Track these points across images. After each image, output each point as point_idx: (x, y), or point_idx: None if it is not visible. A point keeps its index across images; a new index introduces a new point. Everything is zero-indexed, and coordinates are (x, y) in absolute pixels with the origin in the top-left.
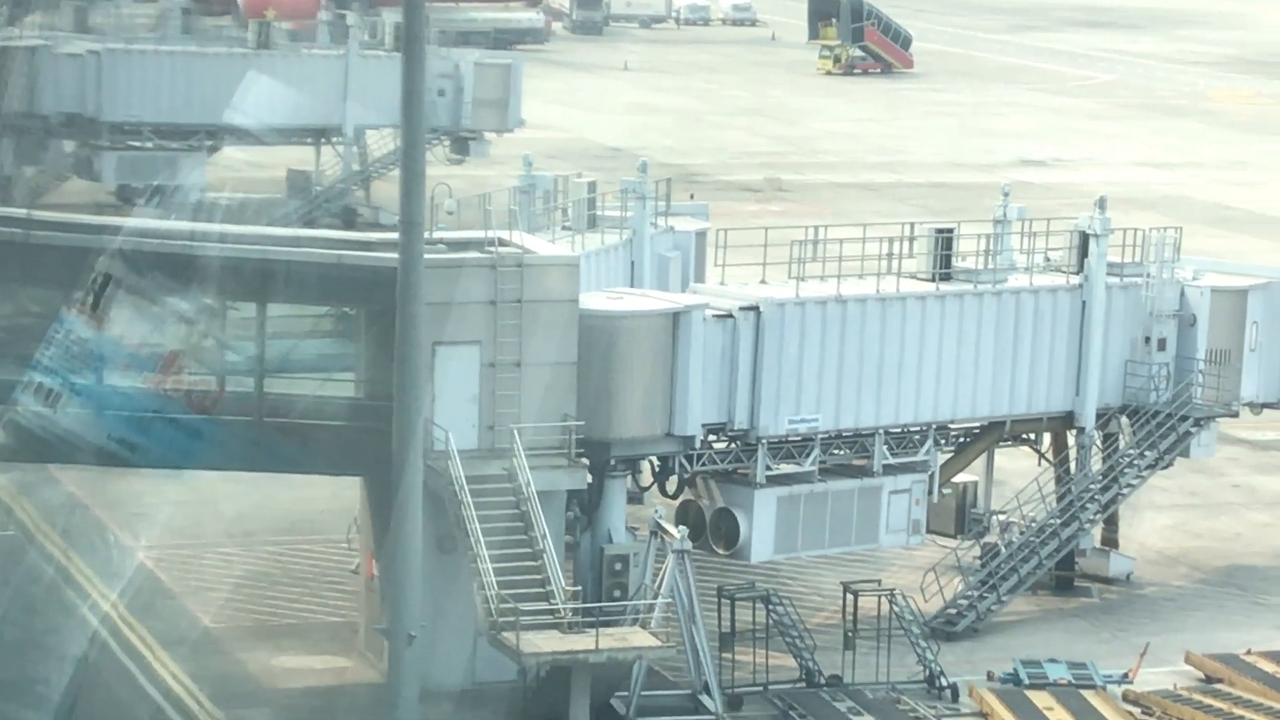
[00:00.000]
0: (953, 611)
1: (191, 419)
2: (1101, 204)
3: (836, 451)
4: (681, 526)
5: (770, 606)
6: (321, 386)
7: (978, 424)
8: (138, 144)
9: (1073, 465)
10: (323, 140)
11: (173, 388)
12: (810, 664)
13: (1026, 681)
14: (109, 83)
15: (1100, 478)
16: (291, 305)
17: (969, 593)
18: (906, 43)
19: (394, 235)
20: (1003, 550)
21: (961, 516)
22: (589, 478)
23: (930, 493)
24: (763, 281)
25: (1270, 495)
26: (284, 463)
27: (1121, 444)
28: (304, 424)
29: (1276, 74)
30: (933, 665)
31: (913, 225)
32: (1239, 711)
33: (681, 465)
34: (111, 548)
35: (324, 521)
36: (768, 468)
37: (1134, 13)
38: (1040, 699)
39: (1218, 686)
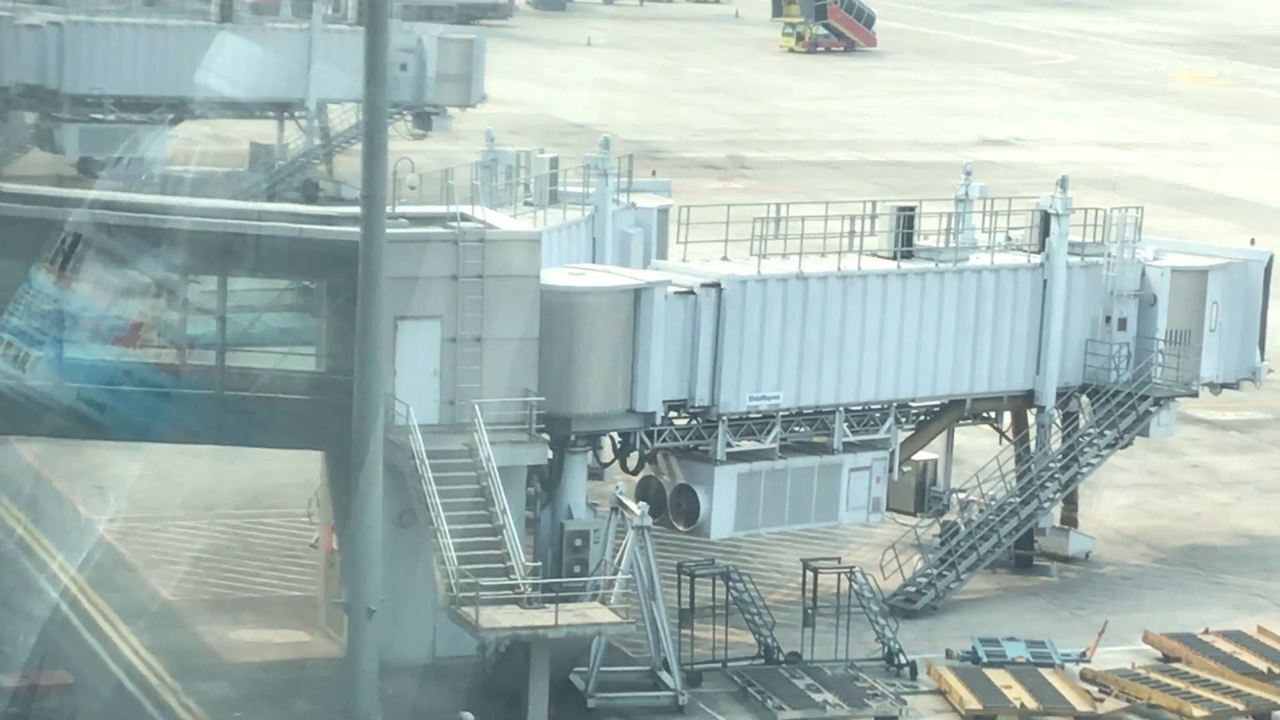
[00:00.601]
0: (912, 589)
1: (159, 379)
2: (1063, 183)
3: (797, 429)
4: (642, 503)
5: (730, 583)
6: (283, 360)
7: (938, 402)
8: (99, 116)
9: (1033, 444)
10: (285, 114)
11: (138, 354)
12: (769, 641)
13: (985, 659)
14: (71, 54)
15: (1060, 456)
16: (253, 279)
17: (928, 571)
18: (870, 21)
19: (356, 210)
20: (962, 528)
21: (921, 494)
22: (550, 453)
23: (890, 470)
24: (724, 258)
25: (1229, 475)
26: (245, 436)
27: (1081, 423)
28: (265, 398)
29: (1238, 55)
30: (891, 643)
31: (874, 203)
32: (1196, 690)
33: (642, 441)
34: (71, 520)
35: (285, 495)
36: (728, 444)
37: None
38: (999, 677)
39: (1175, 665)
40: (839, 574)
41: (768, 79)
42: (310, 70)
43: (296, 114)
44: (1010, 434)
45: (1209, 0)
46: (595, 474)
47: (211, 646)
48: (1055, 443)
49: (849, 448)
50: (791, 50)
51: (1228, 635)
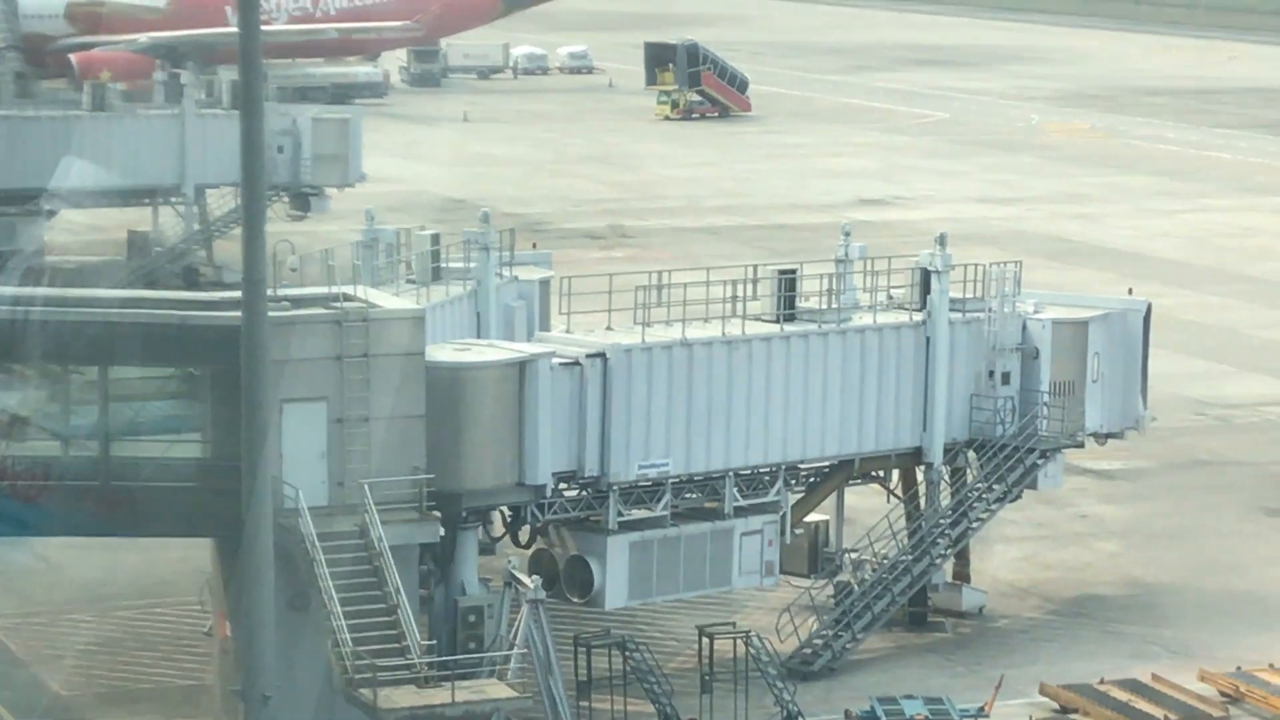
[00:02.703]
0: (808, 651)
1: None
2: (942, 240)
3: (688, 495)
4: (535, 576)
5: (626, 653)
6: (169, 448)
7: (827, 463)
8: None
9: (922, 501)
10: (161, 200)
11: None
12: (668, 709)
13: (884, 719)
14: None
15: (950, 512)
16: (136, 367)
17: (824, 632)
18: (743, 86)
19: (237, 294)
20: (856, 588)
21: (814, 556)
22: (441, 531)
23: (782, 533)
24: (608, 328)
25: (1118, 524)
26: (132, 526)
27: (969, 478)
28: (152, 486)
29: (1109, 107)
30: (790, 706)
31: (756, 267)
32: None
33: (533, 514)
34: None
35: (176, 584)
36: (619, 514)
37: (967, 50)
38: None
39: (1073, 717)
40: (735, 639)
41: (645, 147)
42: (185, 156)
43: (173, 200)
44: (900, 492)
45: (1079, 54)
46: (487, 549)
47: None
48: (945, 499)
49: (740, 512)
50: (667, 118)
51: (1123, 684)
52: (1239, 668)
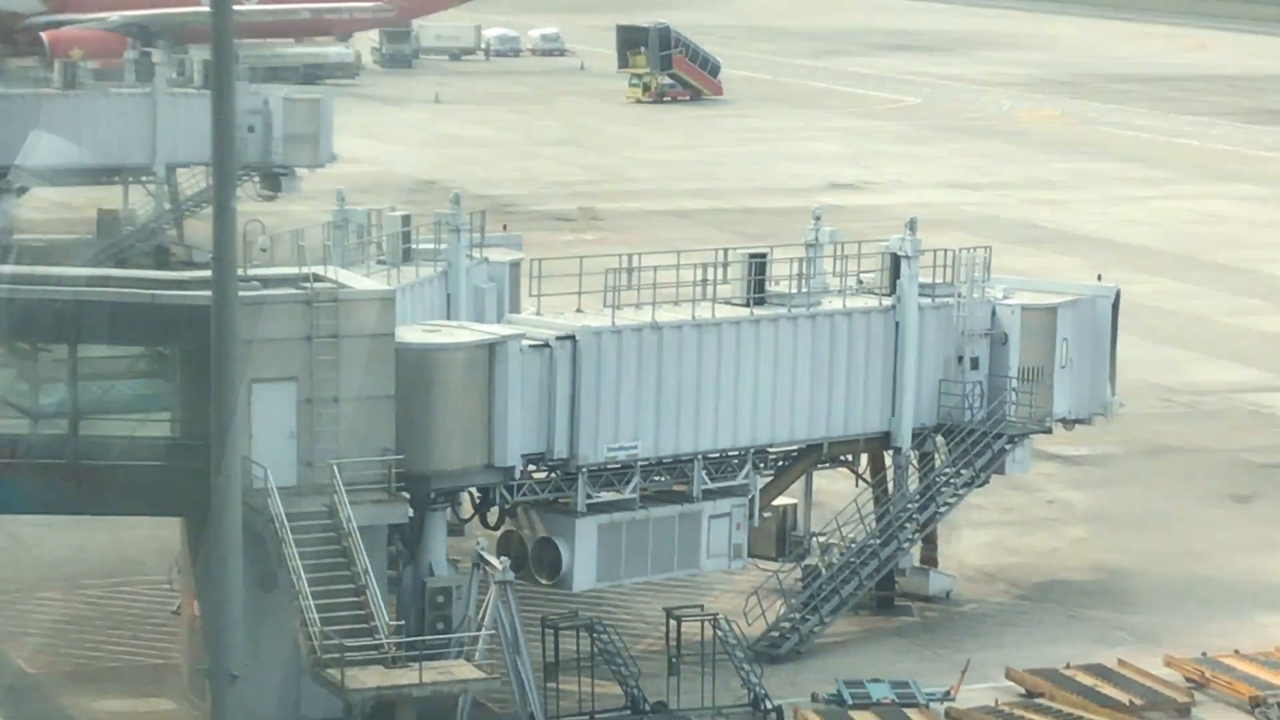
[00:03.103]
0: (776, 634)
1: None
2: (912, 225)
3: (656, 478)
4: (503, 557)
5: (594, 635)
6: (138, 427)
7: (795, 447)
8: None
9: (890, 485)
10: (131, 179)
11: None
12: (635, 691)
13: (850, 702)
14: None
15: (918, 497)
16: (106, 346)
17: (791, 615)
18: (715, 70)
19: (207, 273)
20: (823, 572)
21: (782, 539)
22: (410, 512)
23: (750, 517)
24: (578, 310)
25: (1085, 510)
26: (101, 504)
27: (938, 463)
28: (120, 465)
29: (1079, 94)
30: (757, 688)
31: (726, 251)
32: None
33: (502, 496)
34: None
35: (144, 563)
36: (588, 496)
37: (939, 36)
38: (864, 718)
39: (1039, 701)
40: (703, 622)
41: (616, 130)
42: (156, 135)
43: (144, 179)
44: (868, 476)
45: (1050, 40)
46: (455, 530)
47: (74, 718)
48: (913, 483)
49: (708, 495)
50: (639, 101)
51: (1089, 669)
52: (1204, 653)
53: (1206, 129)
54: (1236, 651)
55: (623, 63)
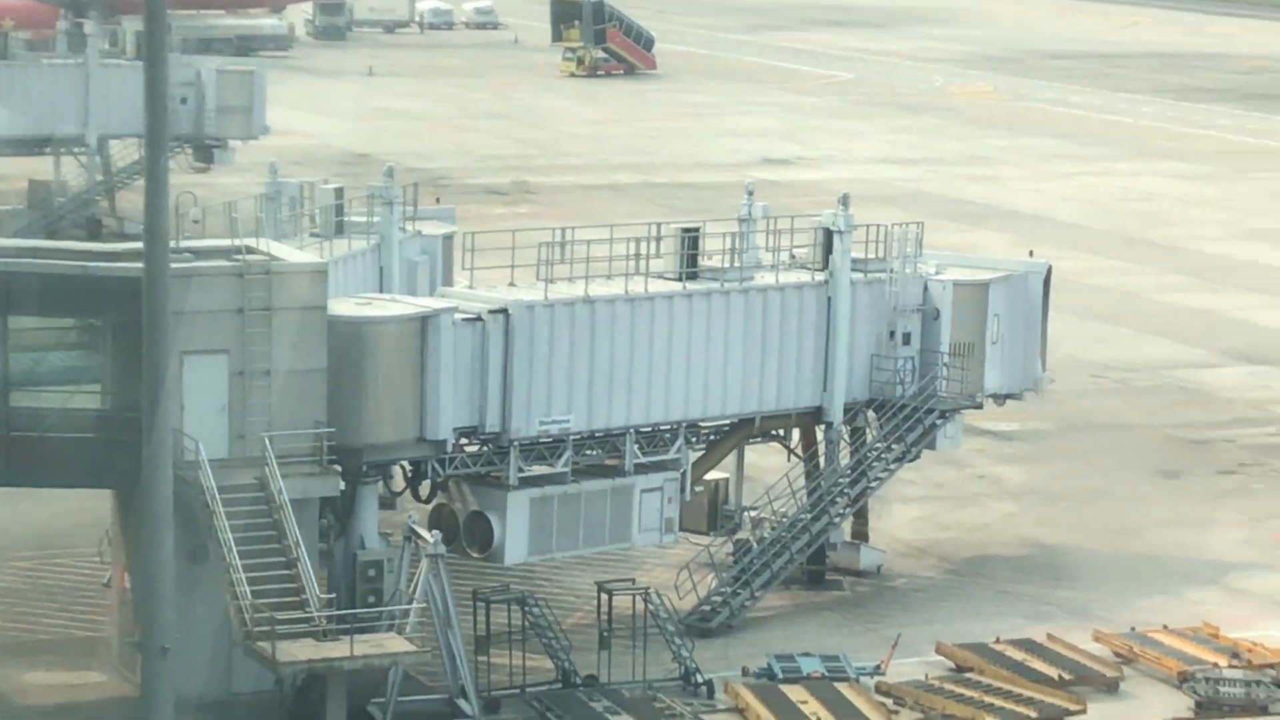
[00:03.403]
0: (707, 608)
1: None
2: (845, 201)
3: (589, 452)
4: (435, 531)
5: (525, 608)
6: (69, 399)
7: (727, 421)
8: None
9: (822, 460)
10: (63, 150)
11: None
12: (566, 665)
13: (781, 676)
14: None
15: (849, 472)
16: (36, 318)
17: (722, 589)
18: (649, 44)
19: (139, 245)
20: (755, 546)
21: (714, 514)
22: (342, 484)
23: (682, 491)
24: (511, 284)
25: (1015, 485)
26: (31, 476)
27: (869, 438)
28: (51, 437)
29: (1013, 70)
30: (688, 662)
31: (659, 225)
32: (990, 699)
33: (434, 469)
34: None
35: (75, 535)
36: (520, 470)
37: (873, 11)
38: (795, 693)
39: (968, 675)
40: (634, 595)
41: (550, 103)
42: (89, 106)
43: (76, 150)
44: (800, 451)
45: (985, 17)
46: (387, 503)
47: (3, 691)
48: (844, 458)
49: (640, 469)
50: (572, 75)
51: (1018, 644)
52: (1133, 628)
53: (1139, 106)
54: (1165, 627)
55: (556, 36)
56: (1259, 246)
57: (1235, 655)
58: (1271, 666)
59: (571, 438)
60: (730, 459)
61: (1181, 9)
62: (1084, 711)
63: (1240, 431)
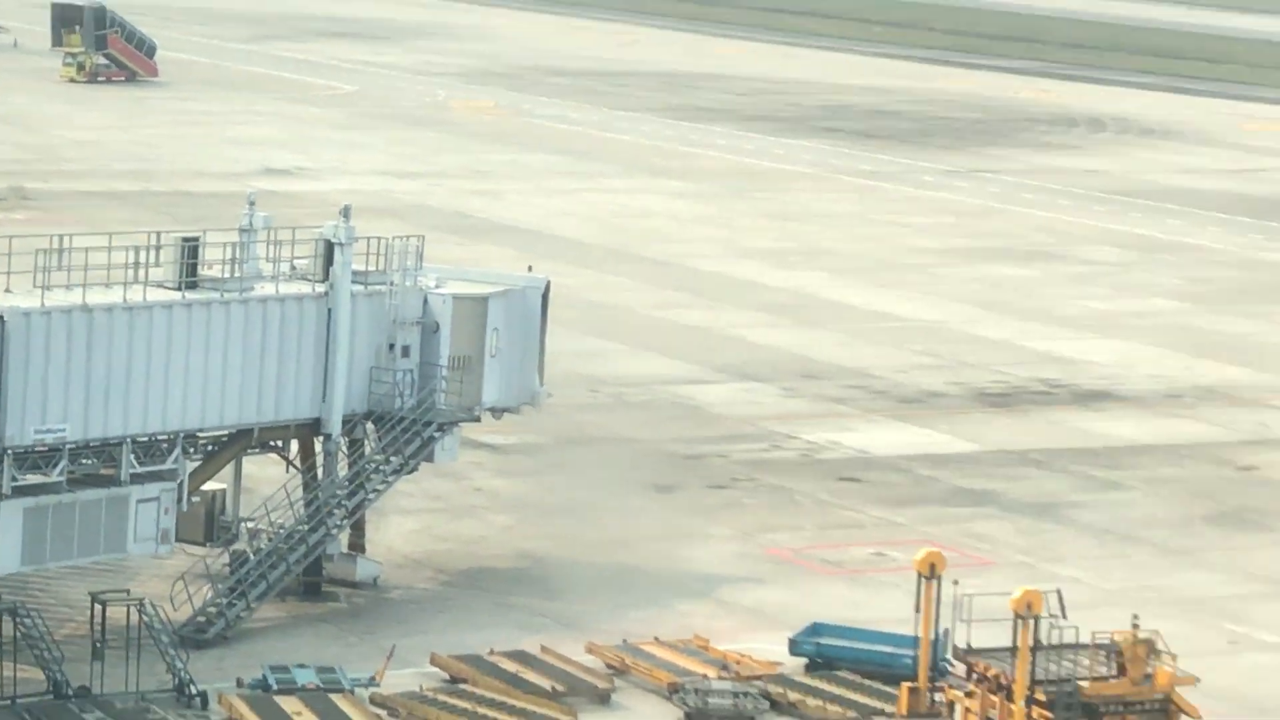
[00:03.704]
0: (202, 619)
1: None
2: (346, 212)
3: (84, 461)
4: None
5: (17, 619)
6: None
7: (226, 432)
8: None
9: (320, 472)
10: None
11: None
12: (58, 675)
13: (275, 687)
14: None
15: (347, 483)
16: None
17: (218, 600)
18: (151, 51)
19: None
20: (251, 557)
21: (210, 524)
22: None
23: (179, 501)
24: (7, 291)
25: (511, 498)
26: None
27: (367, 450)
28: None
29: (514, 86)
30: (182, 673)
31: (159, 234)
32: (483, 710)
33: None
34: None
35: None
36: (14, 479)
37: (376, 24)
38: (289, 704)
39: (462, 687)
40: (128, 606)
41: (49, 109)
42: None
43: None
44: (298, 462)
45: (487, 32)
46: None
47: None
48: (342, 470)
49: (137, 479)
50: (72, 80)
51: (512, 655)
52: (625, 640)
53: (638, 124)
54: (656, 638)
55: (57, 41)
56: (754, 265)
57: (724, 667)
58: (759, 678)
59: (67, 446)
60: (228, 469)
61: (678, 29)
62: None
63: (732, 447)
